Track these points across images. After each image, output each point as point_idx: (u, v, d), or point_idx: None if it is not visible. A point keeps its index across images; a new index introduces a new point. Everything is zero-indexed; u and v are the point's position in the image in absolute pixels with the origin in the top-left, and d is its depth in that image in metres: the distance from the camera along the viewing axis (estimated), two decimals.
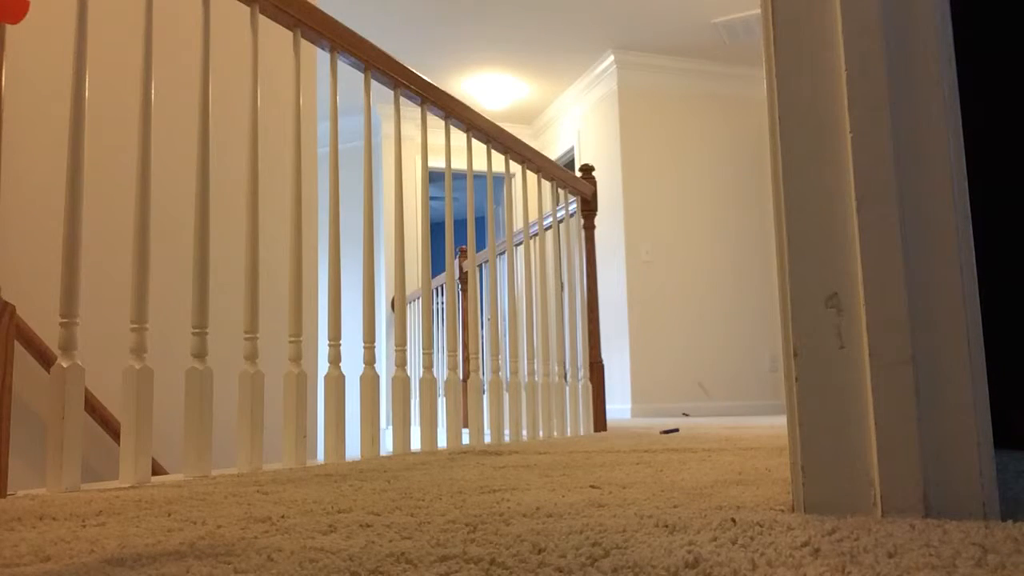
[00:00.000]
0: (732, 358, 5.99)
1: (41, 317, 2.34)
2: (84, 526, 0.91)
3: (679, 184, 6.12)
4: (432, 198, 9.15)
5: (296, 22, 1.95)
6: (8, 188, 2.43)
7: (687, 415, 3.85)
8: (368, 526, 0.85)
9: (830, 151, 0.88)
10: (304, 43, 2.01)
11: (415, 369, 5.64)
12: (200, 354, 1.60)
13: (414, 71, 2.35)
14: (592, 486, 1.19)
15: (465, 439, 2.50)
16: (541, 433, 2.84)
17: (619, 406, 5.82)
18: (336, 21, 2.06)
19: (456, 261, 3.85)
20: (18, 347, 2.29)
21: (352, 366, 5.87)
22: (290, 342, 1.85)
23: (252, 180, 1.79)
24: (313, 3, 2.05)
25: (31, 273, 2.44)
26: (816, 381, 0.85)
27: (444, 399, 2.40)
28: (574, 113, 6.81)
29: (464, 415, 2.54)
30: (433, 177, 7.72)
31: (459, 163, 6.74)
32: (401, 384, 2.13)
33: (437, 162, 6.11)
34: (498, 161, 2.88)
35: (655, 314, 5.89)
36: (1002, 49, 1.42)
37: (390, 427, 3.59)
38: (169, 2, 2.94)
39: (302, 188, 1.92)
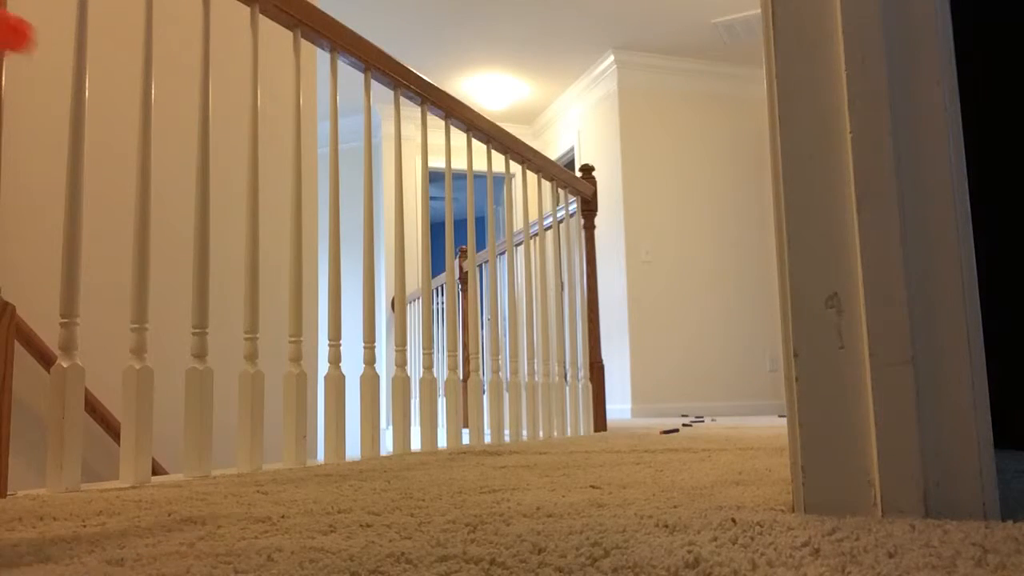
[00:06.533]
0: (732, 358, 5.99)
1: (41, 317, 2.34)
2: (84, 526, 0.91)
3: (679, 184, 6.12)
4: (432, 198, 9.15)
5: (296, 22, 1.95)
6: (8, 188, 2.43)
7: (688, 425, 3.85)
8: (368, 526, 0.85)
9: (830, 151, 0.88)
10: (304, 43, 2.01)
11: (415, 369, 5.64)
12: (200, 354, 1.60)
13: (414, 71, 2.35)
14: (592, 486, 1.19)
15: (465, 439, 2.50)
16: (541, 433, 2.84)
17: (619, 406, 5.82)
18: (336, 21, 2.06)
19: (456, 261, 3.85)
20: (18, 347, 2.29)
21: (352, 366, 5.87)
22: (290, 342, 1.85)
23: (252, 180, 1.79)
24: (313, 3, 2.05)
25: (31, 273, 2.44)
26: (816, 381, 0.85)
27: (444, 399, 2.40)
28: (574, 113, 6.81)
29: (464, 415, 2.54)
30: (433, 177, 7.72)
31: (459, 163, 6.73)
32: (401, 384, 2.13)
33: (437, 162, 6.11)
34: (498, 161, 2.88)
35: (655, 314, 5.89)
36: (1004, 49, 1.42)
37: (390, 427, 3.59)
38: (169, 2, 2.94)
39: (302, 188, 1.92)
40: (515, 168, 6.53)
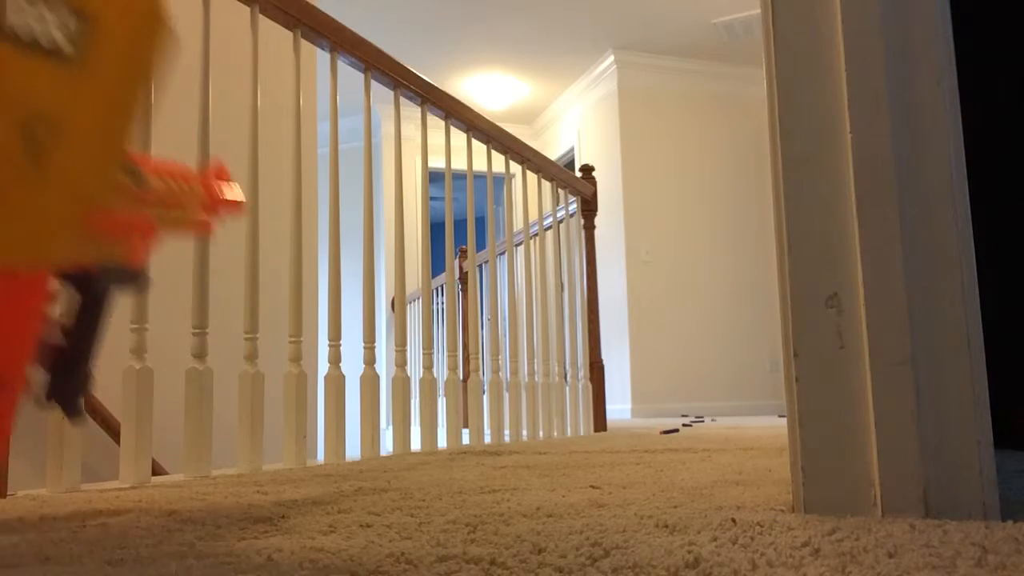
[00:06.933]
0: (732, 358, 5.99)
1: None
2: (84, 526, 0.91)
3: (679, 184, 6.12)
4: (432, 198, 9.15)
5: (296, 22, 1.95)
6: None
7: (688, 425, 3.84)
8: (368, 526, 0.85)
9: (830, 151, 0.88)
10: (304, 43, 2.01)
11: (415, 369, 5.63)
12: (200, 354, 1.60)
13: (414, 71, 2.35)
14: (592, 486, 1.19)
15: (465, 439, 2.50)
16: (541, 433, 2.84)
17: (619, 406, 5.82)
18: (336, 21, 2.06)
19: (456, 261, 3.85)
20: None
21: (352, 366, 5.87)
22: (290, 342, 1.85)
23: (252, 180, 1.79)
24: (313, 3, 2.05)
25: None
26: (816, 381, 0.85)
27: (444, 399, 2.40)
28: (574, 113, 6.81)
29: (464, 415, 2.54)
30: (433, 177, 7.71)
31: (459, 163, 6.73)
32: (401, 384, 2.13)
33: (437, 162, 6.10)
34: (498, 161, 2.88)
35: (655, 314, 5.89)
36: (1003, 50, 1.42)
37: (390, 427, 3.59)
38: (169, 2, 2.94)
39: (302, 188, 1.92)
40: (515, 168, 6.52)
